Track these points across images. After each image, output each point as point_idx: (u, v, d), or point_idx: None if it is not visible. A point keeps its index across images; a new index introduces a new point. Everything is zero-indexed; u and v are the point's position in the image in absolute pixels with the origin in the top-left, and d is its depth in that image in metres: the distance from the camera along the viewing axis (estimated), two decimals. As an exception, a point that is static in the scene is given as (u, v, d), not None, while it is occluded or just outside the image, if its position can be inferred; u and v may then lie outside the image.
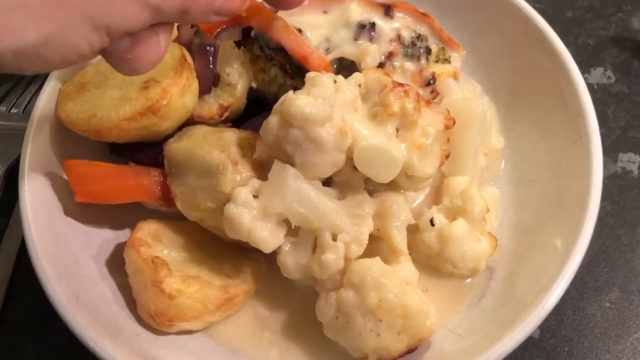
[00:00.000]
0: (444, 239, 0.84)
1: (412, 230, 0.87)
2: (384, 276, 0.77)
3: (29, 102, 1.13)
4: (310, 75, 0.82)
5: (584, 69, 1.12)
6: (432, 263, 0.87)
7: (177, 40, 0.93)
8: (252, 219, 0.78)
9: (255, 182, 0.81)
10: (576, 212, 0.82)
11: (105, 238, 0.92)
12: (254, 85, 0.96)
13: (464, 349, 0.81)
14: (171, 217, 0.90)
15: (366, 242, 0.79)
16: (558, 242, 0.83)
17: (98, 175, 0.86)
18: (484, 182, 0.95)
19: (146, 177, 0.88)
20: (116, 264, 0.89)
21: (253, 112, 0.97)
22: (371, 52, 0.89)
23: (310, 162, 0.79)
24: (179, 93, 0.86)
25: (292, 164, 0.80)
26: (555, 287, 0.77)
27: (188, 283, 0.82)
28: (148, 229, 0.86)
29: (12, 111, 1.14)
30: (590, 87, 0.98)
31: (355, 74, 0.86)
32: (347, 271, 0.79)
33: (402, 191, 0.87)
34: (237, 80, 0.93)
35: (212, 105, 0.94)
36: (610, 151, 1.05)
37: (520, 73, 0.99)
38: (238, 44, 0.95)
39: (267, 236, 0.78)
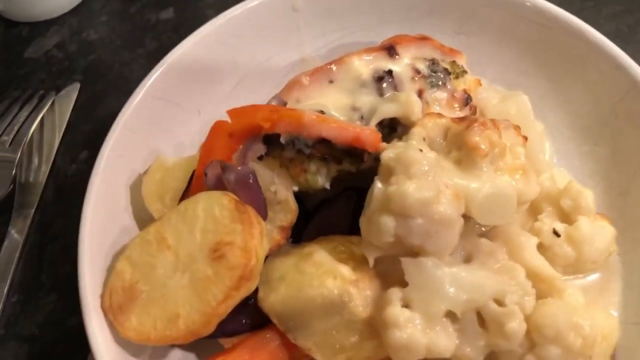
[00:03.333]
0: (577, 243, 0.81)
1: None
2: (574, 315, 0.72)
3: (20, 128, 1.06)
4: (390, 157, 0.73)
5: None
6: (570, 271, 0.83)
7: (203, 185, 0.79)
8: (424, 332, 0.70)
9: (395, 294, 0.72)
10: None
11: None
12: (295, 189, 0.85)
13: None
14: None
15: (533, 290, 0.74)
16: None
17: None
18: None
19: (265, 349, 0.75)
20: None
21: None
22: (415, 102, 0.81)
23: (444, 243, 0.71)
24: (259, 243, 0.73)
25: (418, 254, 0.72)
26: None
27: None
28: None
29: (2, 138, 1.05)
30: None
31: (415, 130, 0.78)
32: (532, 328, 0.73)
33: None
34: (286, 193, 0.82)
35: (271, 233, 0.82)
36: None
37: (523, 52, 0.98)
38: (260, 157, 0.83)
39: (446, 342, 0.70)
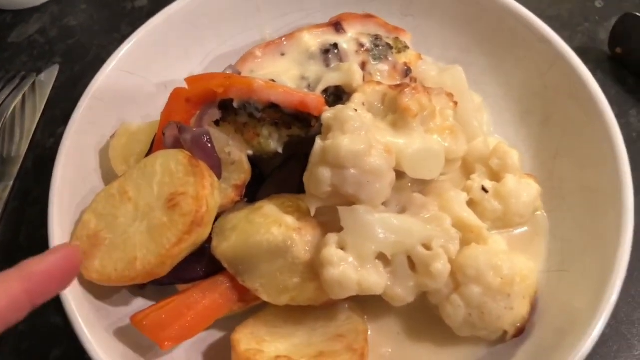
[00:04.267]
0: (504, 197, 0.88)
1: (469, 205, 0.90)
2: (494, 257, 0.80)
3: (1, 105, 1.13)
4: (328, 116, 0.82)
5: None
6: (500, 224, 0.91)
7: (162, 146, 0.87)
8: (356, 270, 0.77)
9: (331, 238, 0.80)
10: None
11: None
12: (250, 153, 0.93)
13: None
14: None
15: (457, 234, 0.82)
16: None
17: (172, 315, 0.79)
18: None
19: (216, 290, 0.83)
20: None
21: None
22: (356, 70, 0.90)
23: (375, 192, 0.79)
24: (210, 194, 0.81)
25: (354, 203, 0.80)
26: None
27: (321, 363, 0.79)
28: (247, 336, 0.81)
29: None
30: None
31: (355, 95, 0.87)
32: (456, 270, 0.81)
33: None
34: (240, 154, 0.90)
35: (226, 190, 0.89)
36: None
37: (463, 31, 1.06)
38: (217, 122, 0.91)
39: (377, 279, 0.78)
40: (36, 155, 1.13)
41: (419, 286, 0.81)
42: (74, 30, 1.28)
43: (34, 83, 1.20)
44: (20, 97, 1.17)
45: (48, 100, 1.19)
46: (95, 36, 1.26)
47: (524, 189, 0.89)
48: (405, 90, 0.84)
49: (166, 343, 0.78)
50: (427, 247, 0.80)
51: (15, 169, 1.11)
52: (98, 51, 1.23)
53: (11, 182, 1.09)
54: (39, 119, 1.17)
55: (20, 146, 1.14)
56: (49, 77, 1.21)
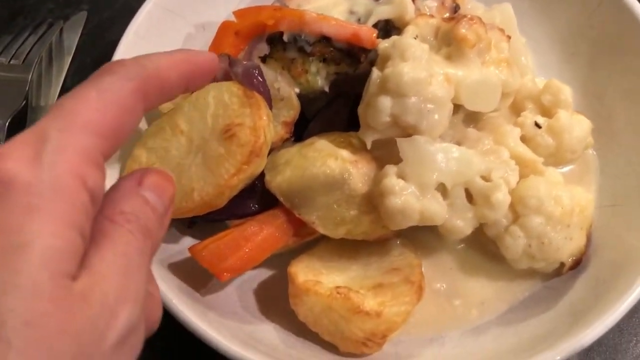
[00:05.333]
0: (557, 132, 0.88)
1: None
2: (554, 188, 0.79)
3: (29, 52, 1.10)
4: (385, 45, 0.80)
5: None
6: (552, 160, 0.90)
7: (213, 81, 0.85)
8: (417, 199, 0.76)
9: (391, 169, 0.79)
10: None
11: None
12: (297, 90, 0.91)
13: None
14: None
15: (516, 166, 0.81)
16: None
17: (230, 246, 0.78)
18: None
19: (272, 224, 0.81)
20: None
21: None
22: (408, 3, 0.88)
23: (436, 122, 0.78)
24: (267, 125, 0.79)
25: (411, 134, 0.79)
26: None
27: (378, 293, 0.78)
28: (303, 269, 0.80)
29: (12, 62, 1.09)
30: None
31: (408, 28, 0.85)
32: (515, 201, 0.80)
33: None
34: (289, 90, 0.88)
35: (276, 128, 0.88)
36: None
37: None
38: (263, 59, 0.89)
39: (438, 208, 0.77)
40: (67, 102, 1.11)
41: (478, 218, 0.80)
42: (102, -23, 1.25)
43: (61, 30, 1.17)
44: (47, 45, 1.14)
45: (77, 47, 1.16)
46: (124, -17, 1.23)
47: (576, 124, 0.89)
48: (463, 20, 0.82)
49: (225, 274, 0.77)
50: (486, 178, 0.79)
51: (46, 116, 1.09)
52: (127, -1, 1.21)
53: (43, 129, 1.07)
54: (69, 66, 1.15)
55: (50, 93, 1.12)
56: (76, 24, 1.18)
